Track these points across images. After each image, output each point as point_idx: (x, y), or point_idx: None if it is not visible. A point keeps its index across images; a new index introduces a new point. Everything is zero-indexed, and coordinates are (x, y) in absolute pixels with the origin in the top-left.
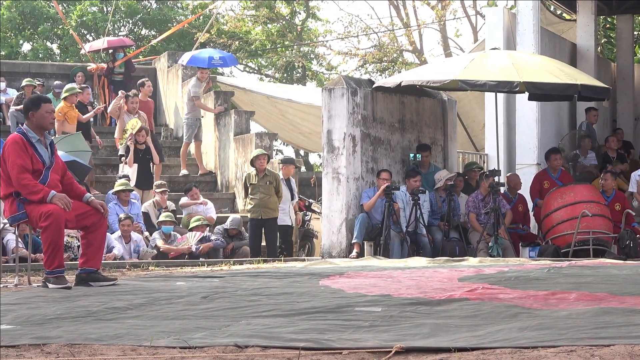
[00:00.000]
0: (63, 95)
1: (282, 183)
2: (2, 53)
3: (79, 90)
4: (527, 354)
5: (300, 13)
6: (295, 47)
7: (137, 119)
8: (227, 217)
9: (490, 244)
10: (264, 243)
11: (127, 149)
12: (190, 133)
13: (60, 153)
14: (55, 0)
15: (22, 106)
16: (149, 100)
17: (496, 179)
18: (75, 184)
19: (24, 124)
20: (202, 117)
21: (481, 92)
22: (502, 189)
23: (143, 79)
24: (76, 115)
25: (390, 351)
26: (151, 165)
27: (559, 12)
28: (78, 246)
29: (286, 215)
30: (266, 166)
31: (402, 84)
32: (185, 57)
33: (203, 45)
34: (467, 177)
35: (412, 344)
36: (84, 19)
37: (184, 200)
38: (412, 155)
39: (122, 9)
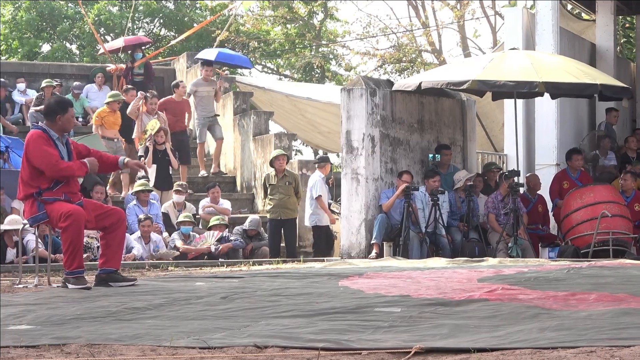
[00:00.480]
0: (107, 100)
1: (322, 182)
2: (21, 53)
3: (123, 97)
4: (546, 355)
5: (318, 13)
6: (314, 47)
7: (157, 120)
8: (246, 218)
9: (509, 244)
10: (283, 244)
11: (147, 149)
12: (199, 132)
13: None
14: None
15: (43, 107)
16: (184, 100)
17: (515, 179)
18: (105, 154)
19: (44, 123)
20: (218, 115)
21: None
22: (521, 190)
23: (177, 80)
24: (116, 120)
25: (410, 352)
26: (170, 167)
27: (577, 12)
28: (98, 247)
29: (324, 215)
30: (285, 167)
31: (422, 87)
32: (210, 54)
33: (222, 45)
34: (486, 177)
35: (431, 344)
36: (101, 17)
37: (204, 203)
38: (431, 155)
39: (141, 8)
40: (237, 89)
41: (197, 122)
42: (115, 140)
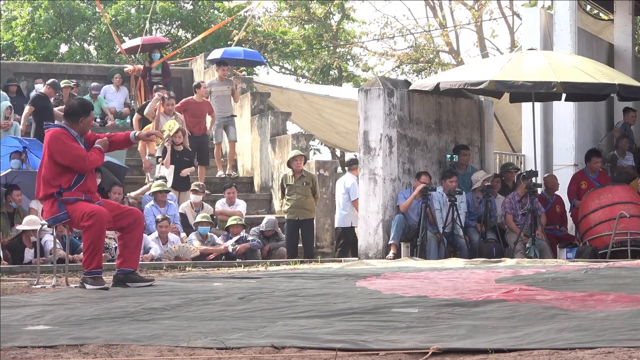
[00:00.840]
0: (147, 111)
1: (357, 184)
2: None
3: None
4: (564, 356)
5: (335, 14)
6: (331, 48)
7: (175, 121)
8: (264, 218)
9: (527, 245)
10: (300, 244)
11: (164, 150)
12: (215, 133)
13: None
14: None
15: (65, 107)
16: (204, 102)
17: (533, 180)
18: (114, 134)
19: (62, 122)
20: (234, 116)
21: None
22: (539, 190)
23: (199, 81)
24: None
25: (427, 352)
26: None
27: (596, 12)
28: (115, 247)
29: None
30: (303, 167)
31: (440, 88)
32: (217, 53)
33: (239, 45)
34: (504, 178)
35: (449, 345)
36: (118, 17)
37: (219, 206)
38: (448, 156)
39: (158, 12)
40: (255, 90)
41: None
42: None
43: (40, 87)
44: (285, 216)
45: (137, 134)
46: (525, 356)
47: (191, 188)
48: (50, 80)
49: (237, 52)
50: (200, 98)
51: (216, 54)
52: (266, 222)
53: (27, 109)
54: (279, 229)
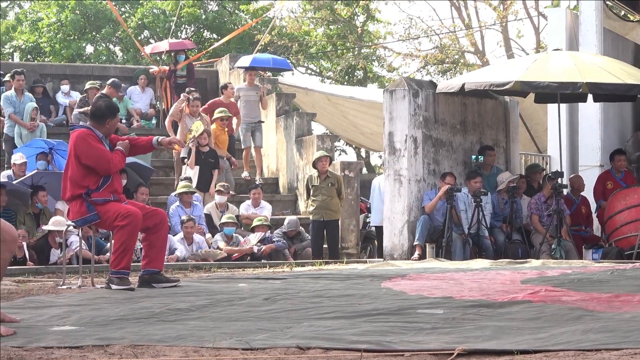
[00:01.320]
0: (216, 116)
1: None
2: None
3: (229, 115)
4: (590, 357)
5: (359, 15)
6: (356, 49)
7: (201, 122)
8: (284, 220)
9: (553, 246)
10: (325, 245)
11: (189, 151)
12: (244, 137)
13: None
14: (112, 4)
15: (91, 108)
16: (231, 103)
17: (559, 180)
18: (137, 137)
19: (88, 123)
20: (262, 122)
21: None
22: (564, 191)
23: (226, 82)
24: (226, 140)
25: (453, 353)
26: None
27: (623, 13)
28: (140, 249)
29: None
30: (328, 168)
31: (465, 89)
32: (245, 60)
33: (264, 47)
34: (529, 179)
35: (474, 346)
36: (145, 21)
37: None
38: (474, 156)
39: (183, 16)
40: (280, 91)
41: (241, 127)
42: (225, 158)
43: (65, 88)
44: (311, 217)
45: (159, 140)
46: (551, 357)
47: (216, 189)
48: (110, 80)
49: (265, 60)
50: (227, 99)
51: (245, 61)
52: (288, 223)
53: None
54: (302, 228)
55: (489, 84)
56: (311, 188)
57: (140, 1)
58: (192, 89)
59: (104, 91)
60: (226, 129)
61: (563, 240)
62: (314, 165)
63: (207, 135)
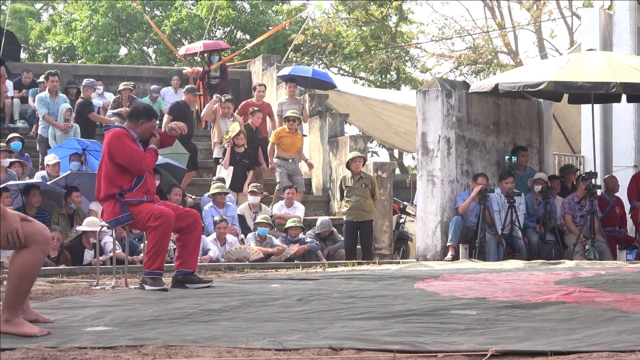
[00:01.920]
0: (286, 115)
1: None
2: (98, 58)
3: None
4: (624, 358)
5: (393, 16)
6: (389, 49)
7: (238, 123)
8: (317, 220)
9: (586, 246)
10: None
11: (224, 151)
12: None
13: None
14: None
15: (130, 108)
16: (264, 103)
17: (593, 181)
18: (160, 132)
19: (124, 124)
20: (305, 135)
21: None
22: (598, 192)
23: (256, 83)
24: (295, 142)
25: (486, 354)
26: (247, 170)
27: None
28: (174, 249)
29: None
30: (362, 169)
31: (499, 90)
32: (304, 70)
33: (298, 48)
34: (563, 179)
35: (507, 347)
36: (180, 25)
37: (277, 209)
38: (507, 157)
39: (217, 18)
40: (313, 91)
41: None
42: (290, 161)
43: (99, 90)
44: (344, 217)
45: (169, 126)
46: (585, 358)
47: (249, 189)
48: (187, 87)
49: (305, 70)
50: (259, 100)
51: (285, 71)
52: (320, 224)
53: (165, 118)
54: (334, 229)
55: (522, 85)
56: (345, 189)
57: (175, 4)
58: (227, 97)
59: (183, 99)
60: (299, 132)
61: (597, 241)
62: (348, 166)
63: (242, 136)
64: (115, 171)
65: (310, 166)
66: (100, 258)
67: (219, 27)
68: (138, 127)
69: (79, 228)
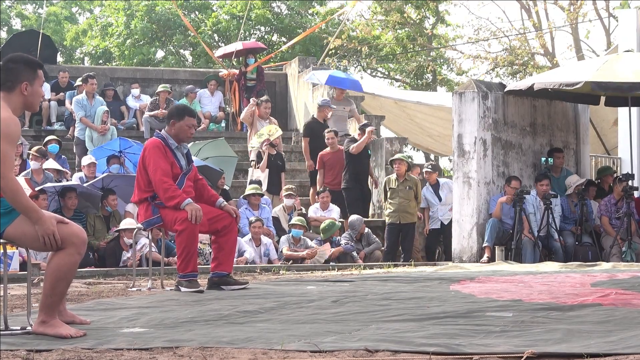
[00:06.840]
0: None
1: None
2: (135, 61)
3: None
4: None
5: (429, 18)
6: (425, 51)
7: (276, 126)
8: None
9: (623, 248)
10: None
11: (259, 154)
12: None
13: (196, 158)
14: (181, 12)
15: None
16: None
17: (629, 183)
18: (208, 188)
19: (164, 130)
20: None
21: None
22: (635, 194)
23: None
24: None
25: (522, 356)
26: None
27: None
28: (210, 252)
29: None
30: (405, 170)
31: (535, 88)
32: (321, 76)
33: (334, 51)
34: (599, 181)
35: (543, 349)
36: (218, 27)
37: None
38: (543, 159)
39: (252, 19)
40: (348, 94)
41: None
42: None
43: (136, 92)
44: (387, 219)
45: (222, 205)
46: None
47: (284, 192)
48: (321, 100)
49: (340, 80)
50: (334, 147)
51: (321, 77)
52: (350, 225)
53: (304, 142)
54: (368, 230)
55: (558, 84)
56: (388, 191)
57: (212, 6)
58: (265, 98)
59: (315, 115)
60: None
61: (634, 243)
62: (390, 163)
63: (280, 139)
64: (147, 179)
65: (376, 184)
66: (138, 252)
67: (255, 30)
68: (172, 129)
69: (120, 227)
